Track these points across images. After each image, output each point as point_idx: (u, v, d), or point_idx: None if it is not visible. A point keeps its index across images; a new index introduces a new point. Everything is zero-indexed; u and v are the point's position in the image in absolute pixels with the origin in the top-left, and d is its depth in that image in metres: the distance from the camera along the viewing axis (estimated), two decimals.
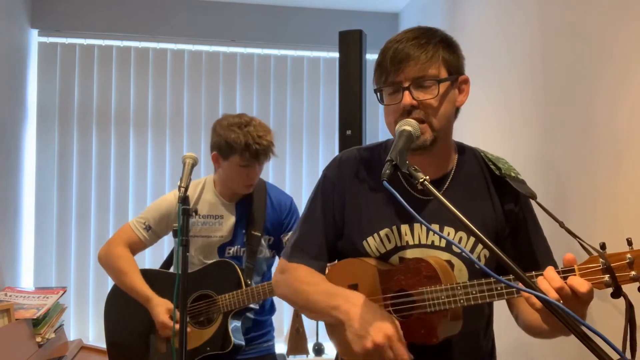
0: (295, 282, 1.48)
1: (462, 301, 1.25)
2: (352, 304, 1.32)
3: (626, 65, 1.88)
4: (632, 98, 1.85)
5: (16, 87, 3.52)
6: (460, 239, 1.39)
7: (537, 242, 1.44)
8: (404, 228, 1.41)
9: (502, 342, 1.64)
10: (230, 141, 2.22)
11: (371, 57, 2.55)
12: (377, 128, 4.05)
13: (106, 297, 2.50)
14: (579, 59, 2.12)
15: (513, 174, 1.41)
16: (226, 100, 4.01)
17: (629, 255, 1.07)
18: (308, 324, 3.73)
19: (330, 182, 1.50)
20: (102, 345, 2.57)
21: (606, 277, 1.09)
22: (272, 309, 2.51)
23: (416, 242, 1.41)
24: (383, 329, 1.25)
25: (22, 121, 3.61)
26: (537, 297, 0.99)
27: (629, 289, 1.09)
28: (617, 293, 1.08)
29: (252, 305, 2.29)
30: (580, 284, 1.09)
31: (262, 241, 2.37)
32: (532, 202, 1.42)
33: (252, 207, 2.37)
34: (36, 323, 2.69)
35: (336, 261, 1.53)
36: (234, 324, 2.28)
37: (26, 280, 3.64)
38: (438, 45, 1.37)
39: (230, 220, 2.35)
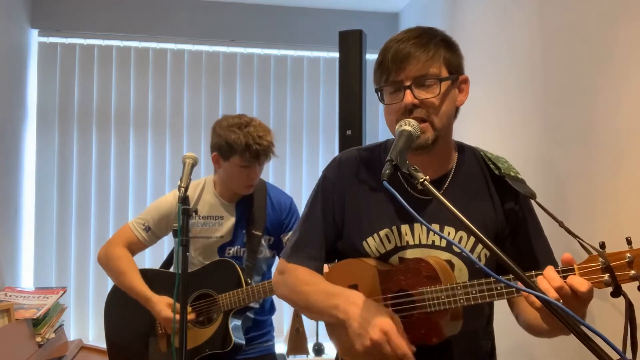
0: (295, 282, 1.48)
1: (462, 301, 1.25)
2: (351, 303, 1.32)
3: (626, 66, 1.88)
4: (632, 98, 1.85)
5: (16, 87, 3.52)
6: (461, 238, 1.39)
7: (538, 241, 1.44)
8: (404, 228, 1.41)
9: (502, 342, 1.64)
10: (231, 142, 2.23)
11: (371, 57, 2.55)
12: (377, 128, 4.06)
13: (106, 297, 2.50)
14: (579, 59, 2.12)
15: (512, 174, 1.41)
16: (226, 100, 4.01)
17: (628, 255, 1.07)
18: (308, 324, 3.73)
19: (330, 183, 1.50)
20: (102, 345, 2.57)
21: (606, 277, 1.09)
22: (272, 309, 2.51)
23: (416, 242, 1.41)
24: (380, 325, 1.25)
25: (22, 121, 3.61)
26: (537, 296, 0.99)
27: (628, 288, 1.09)
28: (617, 292, 1.08)
29: (252, 305, 2.29)
30: (580, 283, 1.09)
31: (262, 241, 2.37)
32: (532, 201, 1.42)
33: (253, 207, 2.37)
34: (36, 323, 2.69)
35: (336, 261, 1.53)
36: (235, 323, 2.28)
37: (26, 280, 3.64)
38: (439, 44, 1.37)
39: (230, 221, 2.35)
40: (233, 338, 2.23)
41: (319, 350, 3.72)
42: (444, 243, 1.39)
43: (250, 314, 2.38)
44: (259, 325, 2.43)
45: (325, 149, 4.10)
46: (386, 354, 1.25)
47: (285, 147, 4.03)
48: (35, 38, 3.81)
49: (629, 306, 1.11)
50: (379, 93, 1.40)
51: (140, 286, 2.30)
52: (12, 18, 3.45)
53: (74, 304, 3.73)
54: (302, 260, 1.48)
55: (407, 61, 1.34)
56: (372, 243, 1.43)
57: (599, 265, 1.10)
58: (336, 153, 2.55)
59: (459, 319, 1.31)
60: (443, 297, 1.27)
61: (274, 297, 2.37)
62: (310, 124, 4.11)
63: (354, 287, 1.41)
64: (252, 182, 2.32)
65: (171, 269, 2.49)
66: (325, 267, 1.53)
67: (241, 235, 2.36)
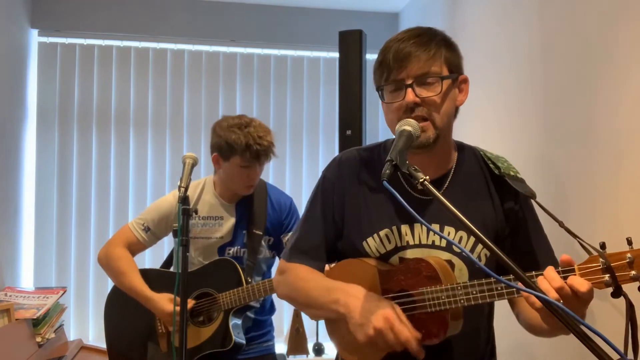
0: (295, 280, 1.48)
1: (462, 301, 1.25)
2: (351, 296, 1.33)
3: (626, 66, 1.88)
4: (632, 98, 1.85)
5: (16, 87, 3.52)
6: (461, 238, 1.39)
7: (538, 241, 1.43)
8: (404, 228, 1.41)
9: (502, 342, 1.64)
10: (231, 142, 2.23)
11: (371, 57, 2.55)
12: (377, 128, 4.06)
13: (106, 298, 2.50)
14: (579, 59, 2.12)
15: (512, 173, 1.41)
16: (226, 100, 4.01)
17: (629, 255, 1.07)
18: (308, 324, 3.73)
19: (329, 183, 1.50)
20: (102, 345, 2.57)
21: (606, 277, 1.08)
22: (272, 308, 2.51)
23: (416, 242, 1.41)
24: (382, 314, 1.25)
25: (22, 121, 3.61)
26: (537, 297, 0.99)
27: (629, 288, 1.09)
28: (617, 293, 1.08)
29: (253, 304, 2.29)
30: (580, 283, 1.09)
31: (262, 242, 2.37)
32: (532, 201, 1.42)
33: (253, 207, 2.37)
34: (36, 323, 2.69)
35: (336, 262, 1.53)
36: (235, 322, 2.28)
37: (26, 280, 3.64)
38: (440, 43, 1.37)
39: (230, 221, 2.35)
40: (233, 337, 2.23)
41: (319, 350, 3.72)
42: (444, 243, 1.39)
43: (250, 314, 2.38)
44: (259, 325, 2.43)
45: (325, 149, 4.10)
46: (390, 342, 1.25)
47: (285, 147, 4.03)
48: (35, 38, 3.81)
49: (630, 307, 1.11)
50: (380, 92, 1.41)
51: (141, 286, 2.30)
52: (12, 18, 3.45)
53: (74, 304, 3.73)
54: (302, 260, 1.49)
55: (408, 60, 1.34)
56: (372, 243, 1.43)
57: (600, 265, 1.09)
58: (336, 153, 2.55)
59: (459, 318, 1.31)
60: (443, 297, 1.27)
61: (274, 297, 2.37)
62: (310, 124, 4.11)
63: None
64: (252, 183, 2.32)
65: (171, 269, 2.49)
66: (326, 267, 1.53)
67: (241, 235, 2.36)
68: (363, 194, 1.46)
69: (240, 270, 2.26)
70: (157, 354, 2.34)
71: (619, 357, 0.91)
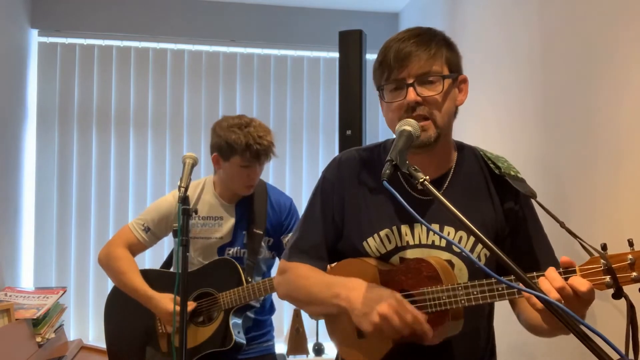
0: (296, 278, 1.48)
1: (463, 301, 1.25)
2: (351, 289, 1.33)
3: (626, 66, 1.88)
4: (632, 98, 1.85)
5: (16, 87, 3.52)
6: (461, 238, 1.39)
7: (538, 241, 1.43)
8: (404, 228, 1.41)
9: (502, 342, 1.64)
10: (231, 142, 2.23)
11: (371, 57, 2.55)
12: (377, 128, 4.05)
13: (106, 298, 2.50)
14: (579, 59, 2.12)
15: (512, 173, 1.41)
16: (226, 100, 4.01)
17: (630, 256, 1.06)
18: (308, 324, 3.73)
19: (329, 183, 1.50)
20: (102, 345, 2.57)
21: (607, 278, 1.08)
22: (272, 308, 2.51)
23: (416, 242, 1.41)
24: (385, 300, 1.25)
25: (22, 121, 3.61)
26: (538, 297, 0.99)
27: (630, 289, 1.09)
28: (619, 294, 1.08)
29: (253, 303, 2.29)
30: (581, 283, 1.09)
31: (262, 243, 2.37)
32: (532, 201, 1.42)
33: (253, 207, 2.37)
34: (36, 323, 2.69)
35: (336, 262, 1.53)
36: (235, 321, 2.28)
37: (26, 280, 3.63)
38: (440, 43, 1.38)
39: (230, 221, 2.35)
40: (234, 336, 2.23)
41: (319, 350, 3.72)
42: (444, 243, 1.39)
43: (250, 314, 2.37)
44: (259, 325, 2.43)
45: (325, 149, 4.10)
46: (396, 326, 1.24)
47: (285, 147, 4.02)
48: (35, 38, 3.80)
49: (631, 308, 1.10)
50: (381, 91, 1.40)
51: (142, 285, 2.30)
52: (12, 18, 3.45)
53: (74, 304, 3.73)
54: (302, 259, 1.49)
55: (409, 59, 1.34)
56: (372, 243, 1.43)
57: (601, 267, 1.09)
58: (336, 153, 2.55)
59: (459, 318, 1.31)
60: (444, 298, 1.27)
61: (274, 297, 2.37)
62: (310, 124, 4.11)
63: None
64: (252, 183, 2.32)
65: (171, 269, 2.48)
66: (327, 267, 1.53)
67: (241, 236, 2.36)
68: (363, 194, 1.46)
69: (240, 269, 2.26)
70: (157, 354, 2.34)
71: (619, 357, 0.91)
